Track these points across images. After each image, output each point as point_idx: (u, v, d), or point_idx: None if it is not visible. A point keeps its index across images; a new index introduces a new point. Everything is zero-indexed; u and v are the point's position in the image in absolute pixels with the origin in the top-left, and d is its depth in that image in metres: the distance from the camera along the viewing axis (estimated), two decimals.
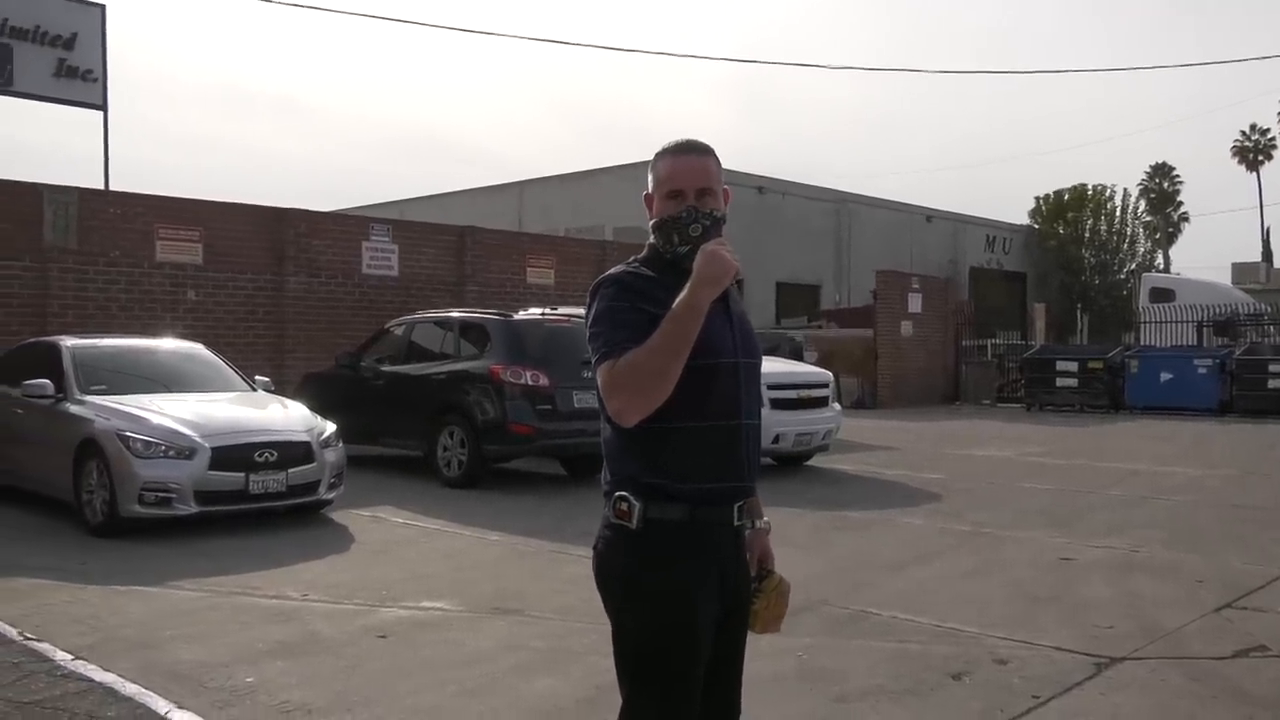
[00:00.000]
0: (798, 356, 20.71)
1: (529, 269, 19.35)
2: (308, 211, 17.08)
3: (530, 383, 10.55)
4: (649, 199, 2.50)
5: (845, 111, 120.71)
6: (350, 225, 17.86)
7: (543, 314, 12.08)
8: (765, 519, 2.69)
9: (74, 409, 8.72)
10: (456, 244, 18.42)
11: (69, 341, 9.69)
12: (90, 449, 8.28)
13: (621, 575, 2.41)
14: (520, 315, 11.94)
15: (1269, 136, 63.33)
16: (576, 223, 26.27)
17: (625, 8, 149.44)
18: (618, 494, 2.41)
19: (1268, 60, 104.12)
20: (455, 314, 12.48)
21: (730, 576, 2.47)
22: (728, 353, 2.41)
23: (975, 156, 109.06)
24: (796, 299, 31.39)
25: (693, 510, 2.37)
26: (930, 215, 38.08)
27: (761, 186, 31.58)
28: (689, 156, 2.47)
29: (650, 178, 2.50)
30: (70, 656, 5.09)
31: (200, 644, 5.35)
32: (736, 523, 2.47)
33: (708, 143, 2.52)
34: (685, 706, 2.38)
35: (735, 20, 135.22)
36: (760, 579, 2.65)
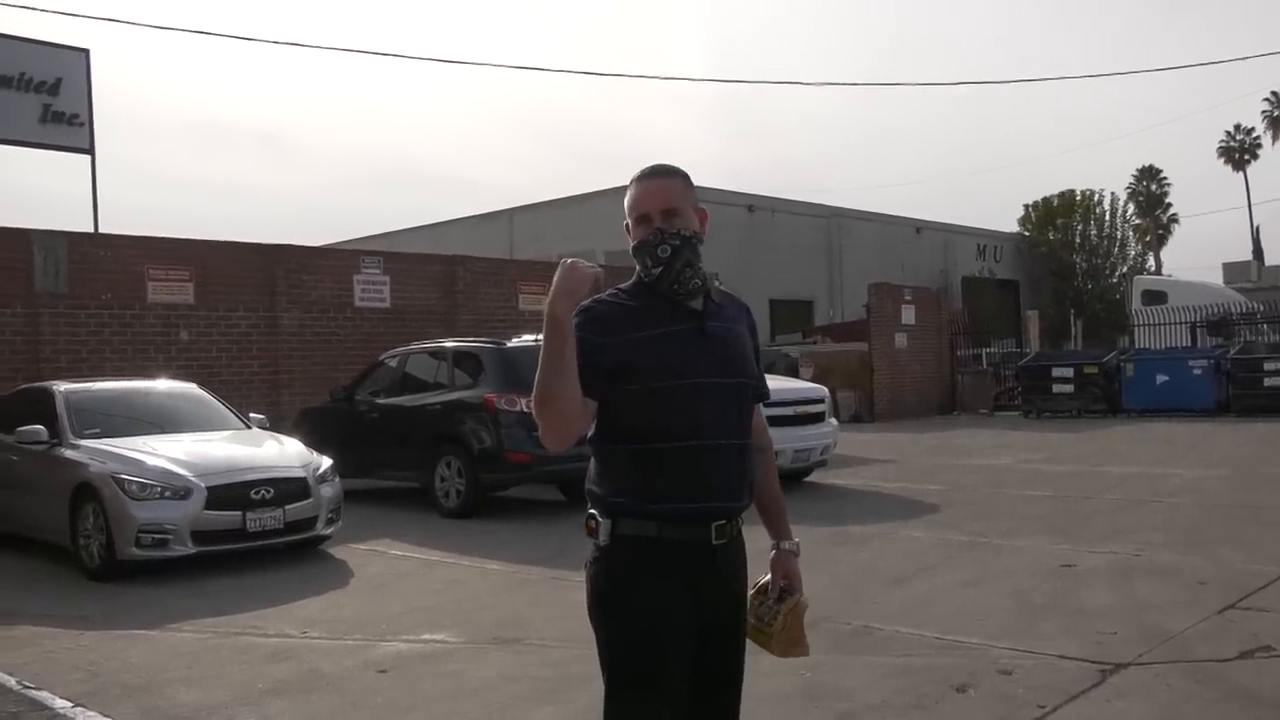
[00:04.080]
0: (793, 373, 20.75)
1: (520, 295, 19.37)
2: (298, 247, 17.11)
3: (525, 410, 10.50)
4: (628, 228, 2.55)
5: (832, 127, 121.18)
6: (341, 259, 17.91)
7: (536, 340, 12.06)
8: (794, 541, 2.72)
9: (68, 454, 8.69)
10: (447, 273, 18.45)
11: (62, 386, 9.68)
12: (86, 493, 8.26)
13: (594, 590, 2.48)
14: (513, 342, 11.93)
15: (1254, 136, 63.59)
16: (567, 248, 26.17)
17: (609, 35, 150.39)
18: (589, 512, 2.49)
19: (1250, 60, 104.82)
20: (448, 344, 12.48)
21: (707, 596, 2.46)
22: (693, 374, 2.42)
23: (963, 166, 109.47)
24: (790, 315, 31.41)
25: (660, 527, 2.41)
26: (920, 226, 38.18)
27: (751, 205, 31.68)
28: (652, 180, 2.53)
29: (625, 208, 2.55)
30: (69, 704, 5.06)
31: (201, 686, 5.32)
32: (715, 542, 2.46)
33: (676, 165, 2.57)
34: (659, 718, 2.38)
35: (718, 41, 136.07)
36: (779, 600, 2.64)
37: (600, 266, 2.33)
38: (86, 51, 17.56)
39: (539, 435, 2.36)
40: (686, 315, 2.48)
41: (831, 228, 34.78)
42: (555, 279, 2.27)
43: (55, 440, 8.87)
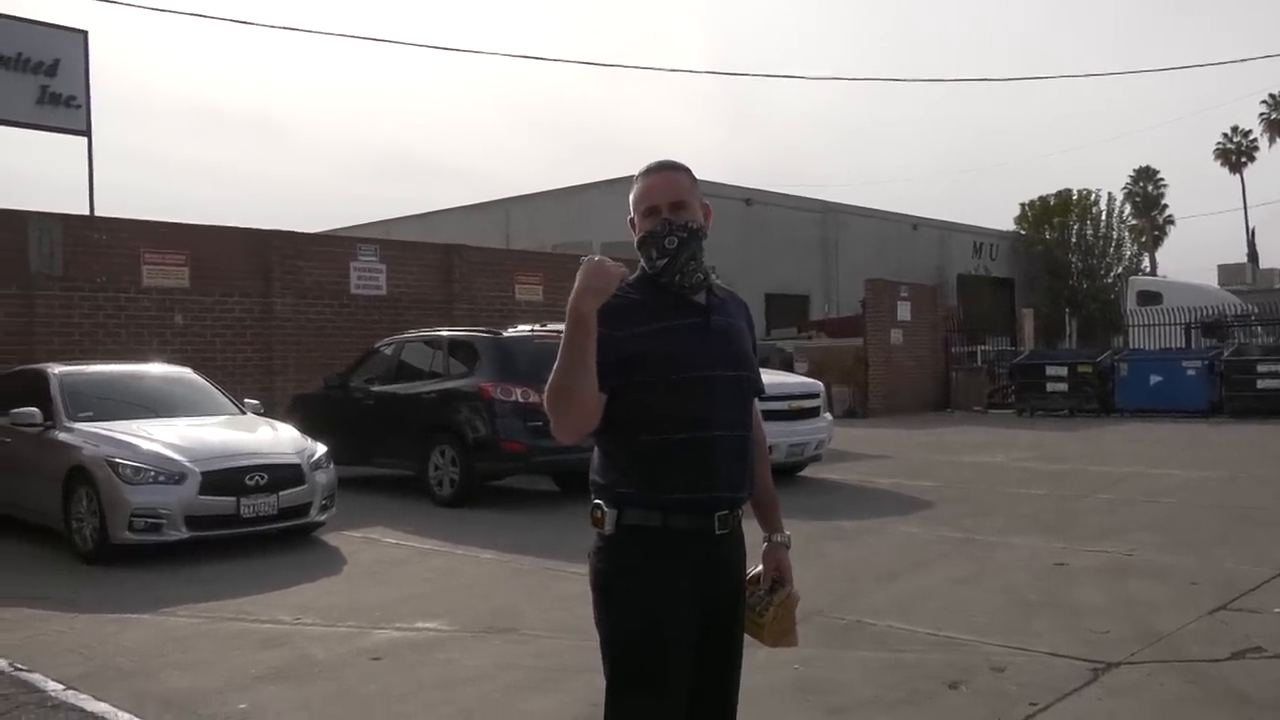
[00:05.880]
0: (788, 367, 20.77)
1: (517, 285, 19.36)
2: (294, 233, 17.08)
3: (521, 400, 10.52)
4: (632, 222, 2.57)
5: (831, 122, 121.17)
6: (337, 246, 17.89)
7: (532, 330, 12.06)
8: (785, 534, 2.75)
9: (62, 436, 8.67)
10: (443, 262, 18.43)
11: (56, 369, 9.65)
12: (79, 476, 8.24)
13: (597, 579, 2.49)
14: (509, 332, 11.92)
15: (1250, 138, 63.61)
16: (564, 239, 26.26)
17: (607, 25, 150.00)
18: (594, 502, 2.51)
19: (1248, 63, 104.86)
20: (444, 332, 12.46)
21: (709, 585, 2.49)
22: (702, 366, 2.46)
23: (961, 163, 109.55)
24: (786, 310, 31.40)
25: (665, 517, 2.43)
26: (916, 223, 38.22)
27: (749, 198, 31.67)
28: (660, 174, 2.56)
29: (631, 202, 2.58)
30: (61, 687, 5.05)
31: (193, 671, 5.32)
32: (718, 531, 2.49)
33: (681, 162, 2.60)
34: (661, 709, 2.40)
35: (718, 33, 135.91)
36: (771, 591, 2.67)
37: (620, 261, 2.34)
38: (85, 33, 17.44)
39: (552, 428, 2.38)
40: (692, 309, 2.52)
41: (828, 223, 34.79)
42: (580, 275, 2.28)
43: (49, 423, 8.85)
